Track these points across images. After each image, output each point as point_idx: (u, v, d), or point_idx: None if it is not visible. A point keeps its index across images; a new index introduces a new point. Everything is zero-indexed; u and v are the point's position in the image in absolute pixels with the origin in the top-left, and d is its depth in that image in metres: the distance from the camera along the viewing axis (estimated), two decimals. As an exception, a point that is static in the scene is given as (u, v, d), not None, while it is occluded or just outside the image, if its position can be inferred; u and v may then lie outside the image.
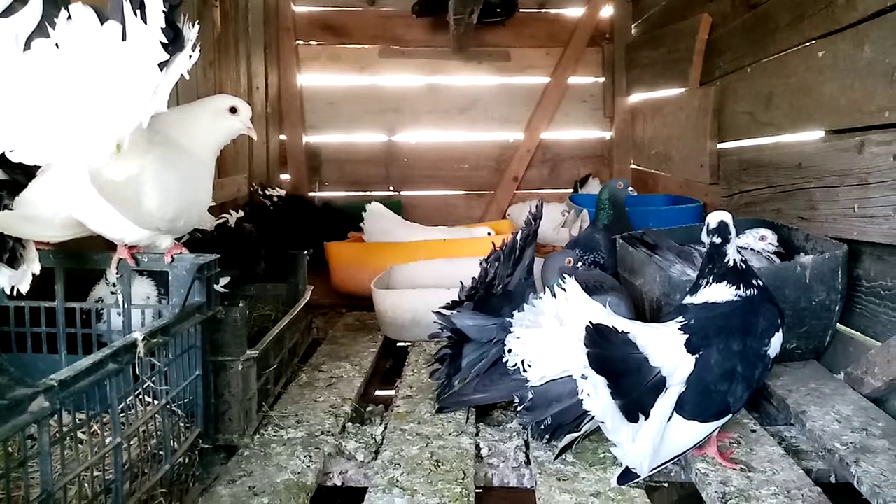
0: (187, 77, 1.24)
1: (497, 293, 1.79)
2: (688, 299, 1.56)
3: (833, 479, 1.51)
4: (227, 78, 3.45)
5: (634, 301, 2.32)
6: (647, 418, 1.37)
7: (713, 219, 1.52)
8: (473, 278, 1.85)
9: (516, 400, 1.60)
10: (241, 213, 2.87)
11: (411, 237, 3.28)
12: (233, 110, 1.58)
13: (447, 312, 1.80)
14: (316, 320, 2.70)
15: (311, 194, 4.50)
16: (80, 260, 1.56)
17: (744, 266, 1.53)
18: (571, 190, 4.57)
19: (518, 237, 1.81)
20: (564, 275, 1.71)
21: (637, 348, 1.37)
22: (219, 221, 2.68)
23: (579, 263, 1.81)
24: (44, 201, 1.27)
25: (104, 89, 1.16)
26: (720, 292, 1.50)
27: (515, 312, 1.64)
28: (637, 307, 2.29)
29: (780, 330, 1.52)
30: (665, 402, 1.39)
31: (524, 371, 1.53)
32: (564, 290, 1.44)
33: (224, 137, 1.58)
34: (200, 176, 1.52)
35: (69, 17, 1.11)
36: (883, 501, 1.32)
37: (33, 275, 1.36)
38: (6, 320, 1.58)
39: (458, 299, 1.84)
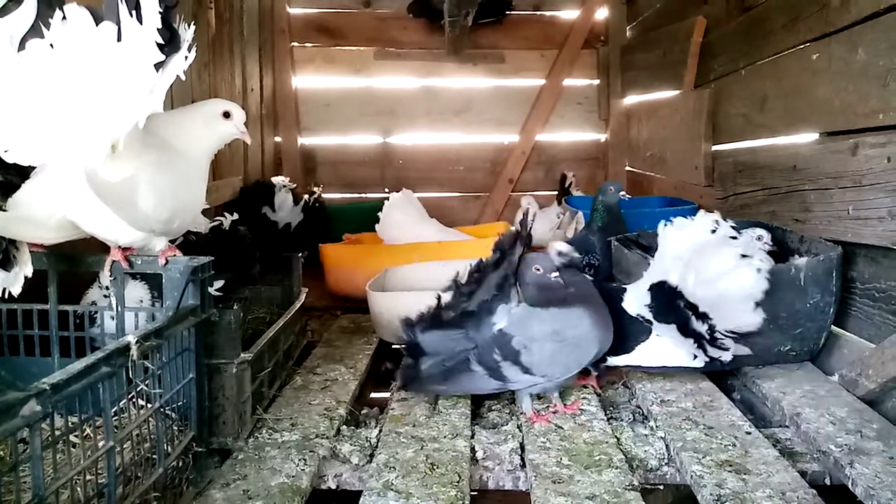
0: (183, 78, 1.23)
1: (451, 316, 1.81)
2: None
3: (828, 481, 1.51)
4: (222, 79, 3.44)
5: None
6: None
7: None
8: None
9: None
10: (235, 216, 2.86)
11: (424, 237, 3.24)
12: (226, 115, 1.57)
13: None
14: (311, 323, 2.69)
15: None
16: (74, 262, 1.55)
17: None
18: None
19: (479, 265, 1.83)
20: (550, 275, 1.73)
21: None
22: (213, 224, 2.68)
23: (553, 274, 1.73)
24: (38, 202, 1.27)
25: (99, 90, 1.15)
26: None
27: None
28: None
29: None
30: None
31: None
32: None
33: (217, 142, 1.57)
34: (195, 178, 1.51)
35: (64, 17, 1.10)
36: (877, 503, 1.32)
37: (26, 277, 1.36)
38: (-2, 323, 1.57)
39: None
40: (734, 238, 1.85)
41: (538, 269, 1.72)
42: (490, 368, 1.75)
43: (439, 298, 1.84)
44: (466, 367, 1.77)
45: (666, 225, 1.91)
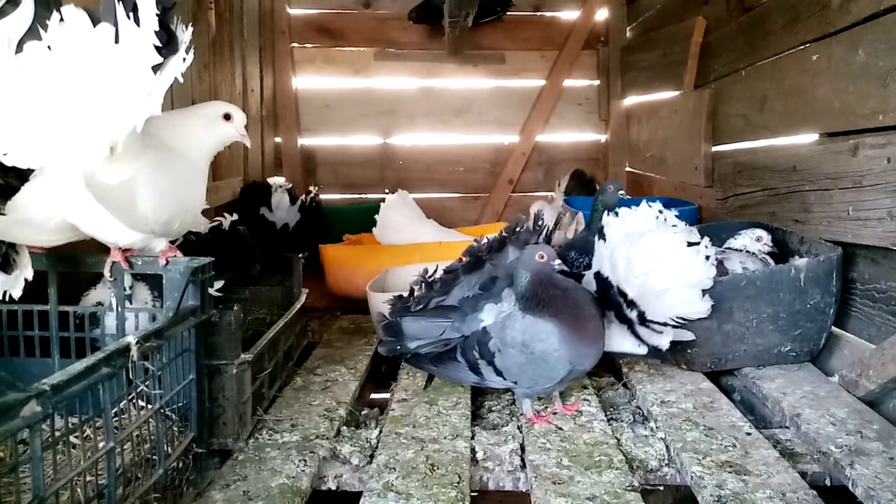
0: (181, 80, 1.23)
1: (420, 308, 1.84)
2: None
3: (828, 482, 1.52)
4: (222, 80, 3.44)
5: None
6: None
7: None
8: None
9: None
10: (235, 216, 2.87)
11: (421, 238, 3.23)
12: (227, 117, 1.57)
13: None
14: (311, 323, 2.70)
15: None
16: (74, 263, 1.55)
17: None
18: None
19: (449, 268, 1.85)
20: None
21: None
22: (212, 224, 2.68)
23: (556, 262, 1.67)
24: (37, 205, 1.27)
25: (97, 92, 1.15)
26: None
27: None
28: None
29: None
30: None
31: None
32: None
33: (217, 144, 1.57)
34: (194, 180, 1.51)
35: (61, 19, 1.10)
36: (878, 504, 1.32)
37: (26, 280, 1.36)
38: (-2, 324, 1.57)
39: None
40: (675, 227, 1.83)
41: (542, 256, 1.67)
42: (469, 363, 1.78)
43: (412, 291, 1.88)
44: (453, 357, 1.81)
45: (609, 214, 1.92)
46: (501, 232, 1.86)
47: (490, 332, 1.75)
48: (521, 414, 1.80)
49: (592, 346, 1.71)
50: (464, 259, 1.85)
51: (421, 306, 1.84)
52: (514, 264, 1.78)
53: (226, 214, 2.83)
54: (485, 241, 1.86)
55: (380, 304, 2.42)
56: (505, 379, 1.75)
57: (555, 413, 1.80)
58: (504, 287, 1.80)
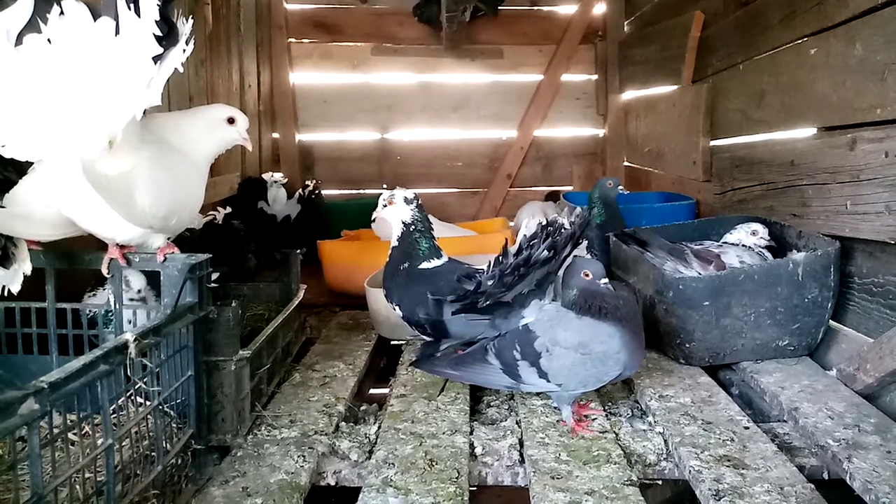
0: (181, 70, 1.23)
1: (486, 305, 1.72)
2: None
3: (826, 476, 1.52)
4: (219, 76, 3.43)
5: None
6: None
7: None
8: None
9: None
10: (228, 210, 2.87)
11: None
12: (230, 120, 1.57)
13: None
14: (309, 319, 2.69)
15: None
16: (72, 260, 1.55)
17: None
18: (567, 188, 4.58)
19: (527, 260, 1.67)
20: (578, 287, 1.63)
21: None
22: (206, 219, 2.68)
23: (602, 281, 1.61)
24: (35, 198, 1.27)
25: (97, 84, 1.15)
26: None
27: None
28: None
29: None
30: None
31: None
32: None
33: (219, 147, 1.58)
34: (194, 178, 1.51)
35: (61, 12, 1.10)
36: (875, 497, 1.33)
37: (24, 275, 1.36)
38: (-4, 321, 1.57)
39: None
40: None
41: (587, 275, 1.61)
42: (506, 364, 1.69)
43: (479, 284, 1.72)
44: (482, 358, 1.72)
45: None
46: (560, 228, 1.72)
47: (534, 330, 1.67)
48: (560, 421, 1.70)
49: (642, 353, 1.70)
50: (544, 252, 1.66)
51: (488, 302, 1.69)
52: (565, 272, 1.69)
53: (219, 208, 2.84)
54: (566, 232, 1.70)
55: (380, 301, 2.43)
56: (549, 381, 1.65)
57: (594, 419, 1.75)
58: (549, 283, 1.74)
